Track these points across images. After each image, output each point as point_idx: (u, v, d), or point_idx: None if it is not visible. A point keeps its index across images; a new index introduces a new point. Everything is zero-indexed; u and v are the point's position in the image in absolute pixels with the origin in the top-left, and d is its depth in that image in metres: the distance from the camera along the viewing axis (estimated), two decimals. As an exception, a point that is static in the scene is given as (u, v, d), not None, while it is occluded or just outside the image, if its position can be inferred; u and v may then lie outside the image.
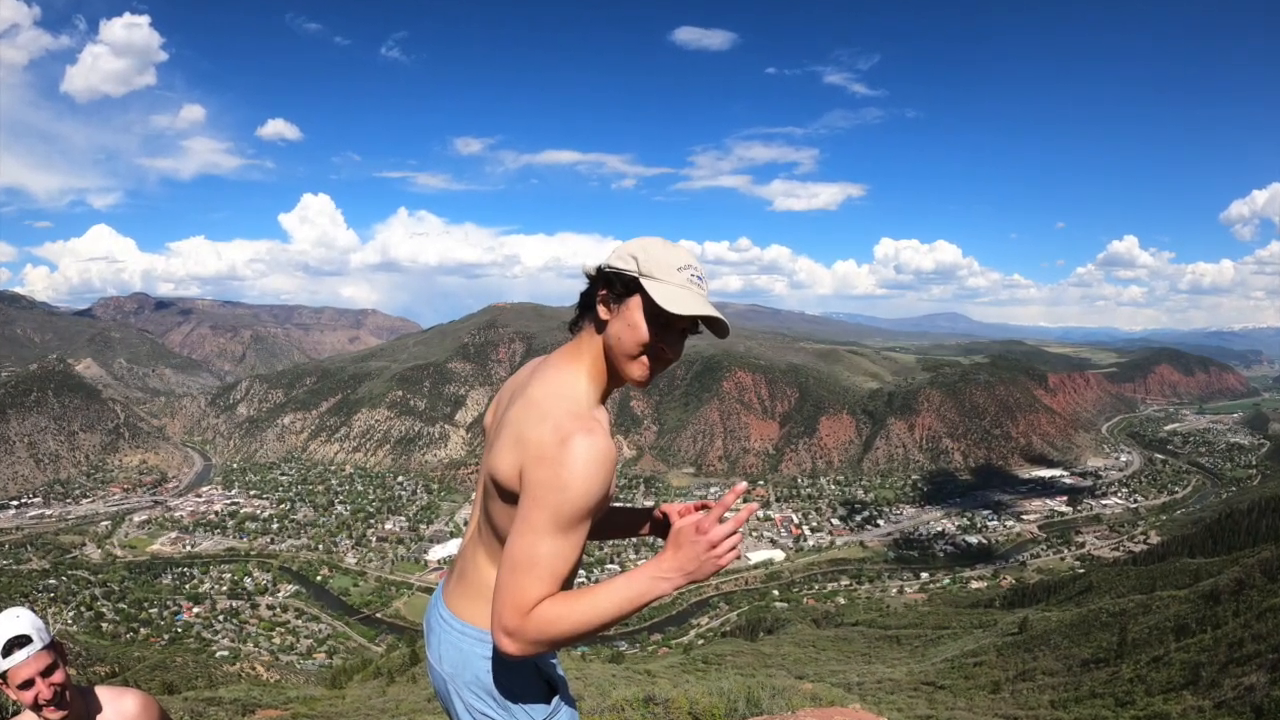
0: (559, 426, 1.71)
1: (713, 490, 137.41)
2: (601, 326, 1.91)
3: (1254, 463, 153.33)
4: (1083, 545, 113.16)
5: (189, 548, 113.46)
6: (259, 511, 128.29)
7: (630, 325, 1.85)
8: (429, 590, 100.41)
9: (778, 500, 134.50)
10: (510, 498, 1.79)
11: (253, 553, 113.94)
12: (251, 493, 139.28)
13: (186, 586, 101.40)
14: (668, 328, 1.86)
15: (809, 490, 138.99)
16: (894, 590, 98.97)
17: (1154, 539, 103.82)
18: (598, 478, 1.68)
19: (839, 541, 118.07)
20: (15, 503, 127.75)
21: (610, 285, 1.88)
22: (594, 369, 1.92)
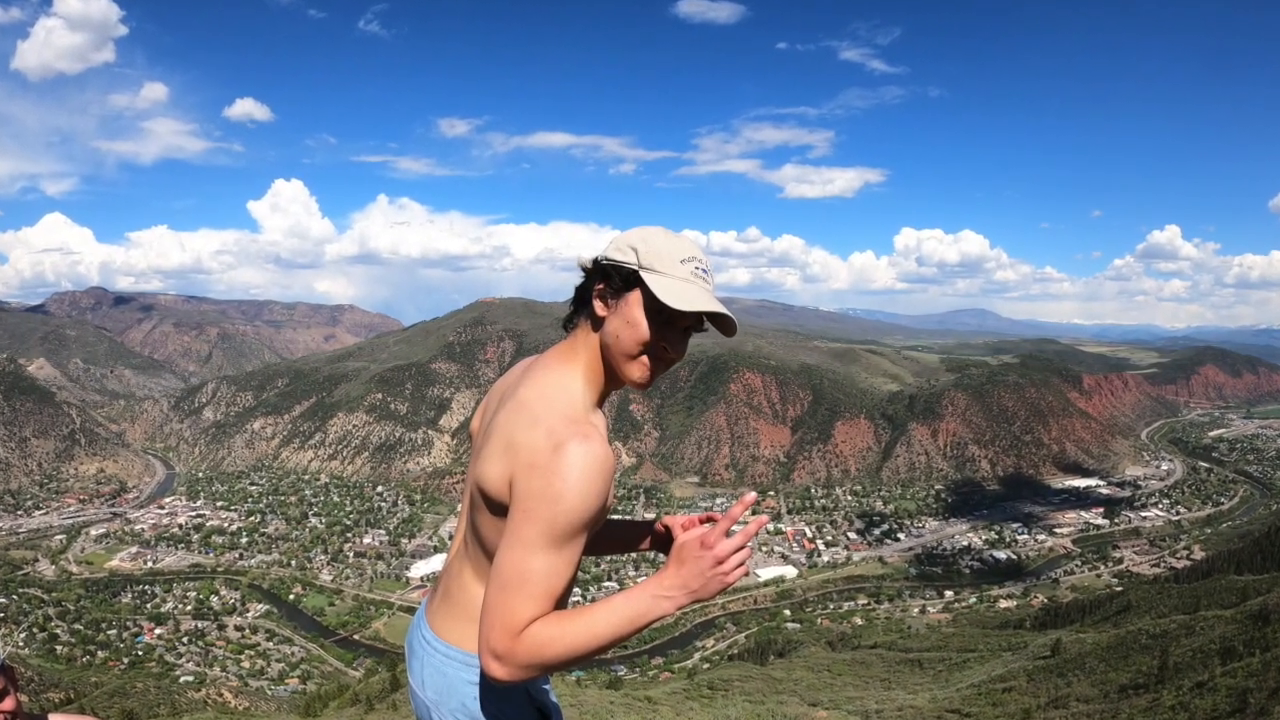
0: (552, 431, 1.68)
1: (719, 501, 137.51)
2: (599, 324, 1.88)
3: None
4: (1120, 561, 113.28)
5: (150, 564, 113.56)
6: (226, 524, 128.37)
7: (629, 323, 1.82)
8: (411, 610, 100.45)
9: (790, 512, 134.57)
10: (499, 509, 1.75)
11: (220, 569, 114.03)
12: (218, 504, 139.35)
13: (148, 606, 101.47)
14: (670, 325, 1.84)
15: (823, 501, 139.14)
16: (915, 610, 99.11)
17: (1198, 554, 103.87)
18: (594, 487, 1.64)
19: (856, 557, 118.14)
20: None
21: (608, 279, 1.85)
22: (590, 370, 1.89)
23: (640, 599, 1.64)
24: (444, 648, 1.95)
